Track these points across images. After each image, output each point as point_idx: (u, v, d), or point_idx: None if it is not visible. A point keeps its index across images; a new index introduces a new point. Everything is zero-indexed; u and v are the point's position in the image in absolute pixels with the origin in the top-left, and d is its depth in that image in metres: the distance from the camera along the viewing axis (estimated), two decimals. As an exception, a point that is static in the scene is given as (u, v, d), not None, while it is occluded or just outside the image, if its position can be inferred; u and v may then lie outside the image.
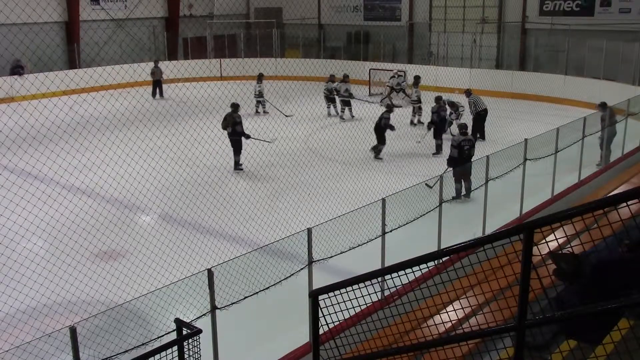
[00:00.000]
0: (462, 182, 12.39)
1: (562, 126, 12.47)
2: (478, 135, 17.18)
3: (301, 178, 13.30)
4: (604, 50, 23.05)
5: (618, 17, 25.06)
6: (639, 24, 23.90)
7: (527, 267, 2.78)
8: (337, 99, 21.94)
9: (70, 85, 20.57)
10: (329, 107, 22.35)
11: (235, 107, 15.33)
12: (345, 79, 22.17)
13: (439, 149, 16.45)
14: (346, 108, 21.67)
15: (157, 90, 26.49)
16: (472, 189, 11.93)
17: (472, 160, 12.35)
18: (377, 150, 16.16)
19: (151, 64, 26.77)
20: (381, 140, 16.19)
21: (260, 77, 22.50)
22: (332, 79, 22.28)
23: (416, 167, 13.84)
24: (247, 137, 15.19)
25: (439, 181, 9.75)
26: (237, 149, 15.20)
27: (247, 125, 15.61)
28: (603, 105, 14.56)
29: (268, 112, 22.23)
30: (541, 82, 20.40)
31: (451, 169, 12.64)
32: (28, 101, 21.74)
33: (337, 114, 22.06)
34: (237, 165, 15.22)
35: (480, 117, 17.64)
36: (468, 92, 18.26)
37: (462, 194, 12.38)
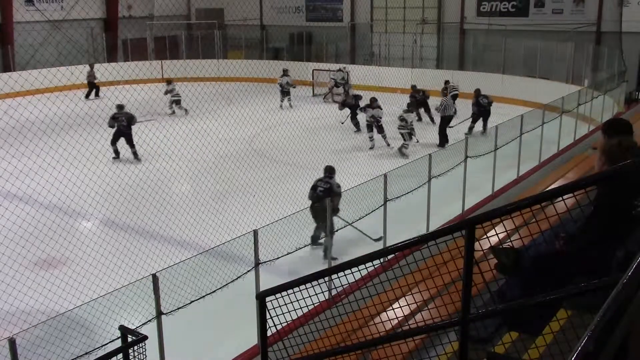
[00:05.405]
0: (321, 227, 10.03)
1: (500, 124, 12.79)
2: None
3: (246, 180, 13.22)
4: (539, 49, 23.80)
5: (551, 17, 25.92)
6: (571, 24, 24.77)
7: (470, 263, 2.84)
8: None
9: (5, 89, 19.88)
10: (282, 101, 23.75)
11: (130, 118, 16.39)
12: (285, 72, 23.84)
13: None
14: (285, 98, 23.58)
15: (94, 92, 26.23)
16: (330, 246, 9.43)
17: (335, 213, 9.77)
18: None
19: (88, 68, 26.31)
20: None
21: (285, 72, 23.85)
22: (286, 73, 23.72)
23: (359, 167, 13.95)
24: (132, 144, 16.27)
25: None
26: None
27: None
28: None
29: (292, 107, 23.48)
30: (480, 81, 20.85)
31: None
32: (-41, 106, 20.91)
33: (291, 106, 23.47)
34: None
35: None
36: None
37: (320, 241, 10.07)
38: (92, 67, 26.72)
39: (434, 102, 19.59)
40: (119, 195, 12.02)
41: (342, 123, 19.69)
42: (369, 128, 17.43)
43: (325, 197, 9.94)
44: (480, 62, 26.89)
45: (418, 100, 20.89)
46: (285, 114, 22.07)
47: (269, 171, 14.45)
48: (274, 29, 33.82)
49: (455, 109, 18.71)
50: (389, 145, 17.21)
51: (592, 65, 22.98)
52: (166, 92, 22.52)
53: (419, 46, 28.71)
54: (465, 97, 20.41)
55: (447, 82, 22.31)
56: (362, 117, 19.00)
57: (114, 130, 16.27)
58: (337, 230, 9.22)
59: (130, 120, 16.26)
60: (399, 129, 16.73)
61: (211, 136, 14.65)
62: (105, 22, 32.51)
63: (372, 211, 9.44)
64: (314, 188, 10.50)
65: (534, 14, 26.51)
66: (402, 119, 16.72)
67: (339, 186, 10.22)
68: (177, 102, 22.42)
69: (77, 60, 27.08)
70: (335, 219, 9.58)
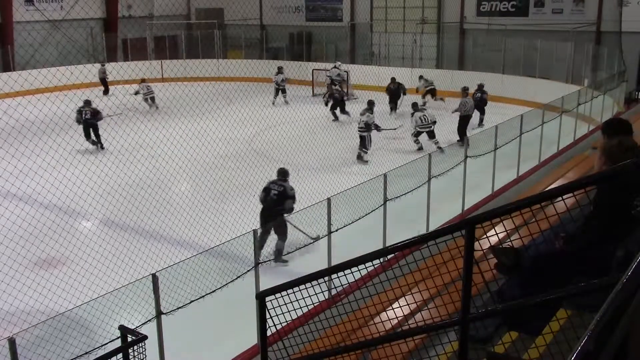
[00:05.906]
0: (271, 235, 9.99)
1: (500, 124, 12.78)
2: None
3: (246, 180, 13.21)
4: (539, 49, 23.80)
5: (551, 17, 25.92)
6: (571, 24, 24.77)
7: (470, 262, 2.84)
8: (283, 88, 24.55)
9: (4, 89, 19.86)
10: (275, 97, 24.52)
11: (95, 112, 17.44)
12: (280, 70, 24.74)
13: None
14: (281, 95, 24.44)
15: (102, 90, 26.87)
16: (284, 252, 9.62)
17: (286, 214, 9.85)
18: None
19: (88, 66, 26.39)
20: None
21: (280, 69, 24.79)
22: (280, 70, 24.76)
23: (359, 167, 13.96)
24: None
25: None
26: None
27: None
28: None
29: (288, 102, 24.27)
30: (480, 80, 20.84)
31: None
32: (-41, 105, 20.87)
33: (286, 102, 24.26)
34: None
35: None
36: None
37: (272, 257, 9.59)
38: (102, 64, 27.58)
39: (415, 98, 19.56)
40: (118, 195, 12.02)
41: (334, 120, 21.09)
42: (363, 141, 16.14)
43: (279, 199, 10.05)
44: (480, 62, 26.89)
45: (392, 91, 21.64)
46: (284, 113, 22.02)
47: (269, 171, 14.40)
48: (273, 29, 33.80)
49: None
50: (366, 162, 15.92)
51: (592, 65, 22.98)
52: (136, 93, 23.68)
53: (419, 46, 28.71)
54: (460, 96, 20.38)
55: (421, 77, 22.73)
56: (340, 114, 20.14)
57: (82, 125, 17.01)
58: (303, 246, 9.18)
59: (96, 114, 17.31)
60: (417, 129, 16.62)
61: (211, 136, 14.72)
62: (105, 22, 32.51)
63: (371, 211, 9.43)
64: (266, 190, 10.29)
65: (534, 13, 26.51)
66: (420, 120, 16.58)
67: (292, 189, 10.18)
68: (152, 99, 23.33)
69: (77, 60, 27.06)
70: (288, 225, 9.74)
